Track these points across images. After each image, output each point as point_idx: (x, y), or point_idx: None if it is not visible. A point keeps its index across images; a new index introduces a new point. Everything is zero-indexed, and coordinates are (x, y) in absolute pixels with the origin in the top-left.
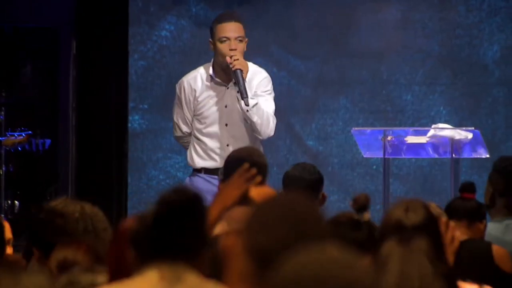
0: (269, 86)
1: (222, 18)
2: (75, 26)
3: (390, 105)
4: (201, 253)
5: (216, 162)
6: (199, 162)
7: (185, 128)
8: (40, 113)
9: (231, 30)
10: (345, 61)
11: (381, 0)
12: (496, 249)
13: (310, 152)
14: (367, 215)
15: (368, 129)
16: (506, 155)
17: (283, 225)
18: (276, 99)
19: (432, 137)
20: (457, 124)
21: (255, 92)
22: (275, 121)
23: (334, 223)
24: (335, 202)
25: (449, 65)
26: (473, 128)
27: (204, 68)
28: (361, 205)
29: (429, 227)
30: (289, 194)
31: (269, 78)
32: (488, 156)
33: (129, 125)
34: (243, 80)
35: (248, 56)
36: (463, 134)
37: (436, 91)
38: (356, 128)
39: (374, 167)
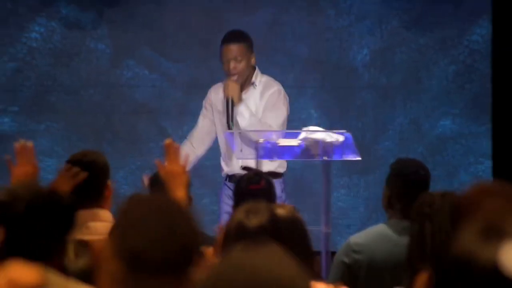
0: (279, 99)
1: (223, 39)
2: None
3: None
4: (56, 252)
5: (232, 167)
6: (223, 167)
7: (192, 131)
8: None
9: (227, 53)
10: (216, 64)
11: (251, 3)
12: None
13: None
14: None
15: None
16: (402, 158)
17: (153, 225)
18: (147, 101)
19: (303, 139)
20: (328, 127)
21: (265, 105)
22: (276, 129)
23: None
24: (209, 205)
25: (319, 68)
26: (344, 130)
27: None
28: None
29: (273, 229)
30: (154, 195)
31: (279, 90)
32: (359, 158)
33: None
34: (232, 107)
35: (120, 56)
36: (334, 137)
37: (306, 94)
38: (228, 131)
39: None
